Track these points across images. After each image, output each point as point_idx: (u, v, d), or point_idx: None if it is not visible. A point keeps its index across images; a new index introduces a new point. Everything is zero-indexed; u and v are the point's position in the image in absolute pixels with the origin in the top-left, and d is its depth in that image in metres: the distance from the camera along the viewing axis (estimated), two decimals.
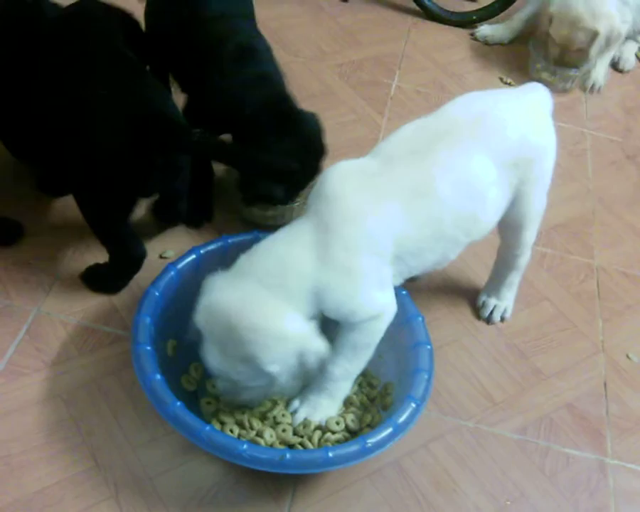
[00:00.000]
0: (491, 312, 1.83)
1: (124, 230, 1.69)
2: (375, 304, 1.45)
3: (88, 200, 1.65)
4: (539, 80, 2.54)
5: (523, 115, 1.59)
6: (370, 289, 1.44)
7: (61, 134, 1.59)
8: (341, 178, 1.46)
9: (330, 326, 1.48)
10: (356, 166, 1.50)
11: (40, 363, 1.59)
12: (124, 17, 1.84)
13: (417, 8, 2.92)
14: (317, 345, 1.40)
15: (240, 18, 1.96)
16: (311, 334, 1.40)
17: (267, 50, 1.94)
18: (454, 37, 2.87)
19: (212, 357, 1.41)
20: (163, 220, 1.90)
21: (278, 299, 1.38)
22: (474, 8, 2.94)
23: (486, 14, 2.90)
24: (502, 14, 2.91)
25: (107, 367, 1.60)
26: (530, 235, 1.72)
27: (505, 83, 2.63)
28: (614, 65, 2.84)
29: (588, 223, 2.17)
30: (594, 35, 2.55)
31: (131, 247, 1.71)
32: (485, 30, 2.87)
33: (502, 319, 1.84)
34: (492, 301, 1.83)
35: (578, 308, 1.91)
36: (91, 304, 1.72)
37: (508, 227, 1.69)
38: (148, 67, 1.79)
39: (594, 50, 2.59)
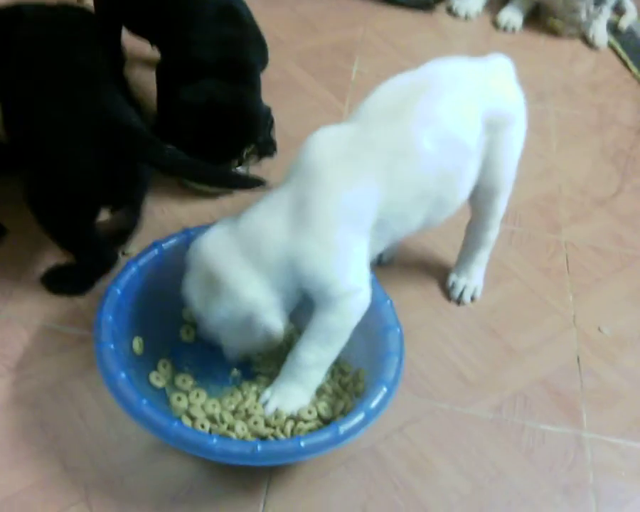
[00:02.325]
0: (461, 293, 1.81)
1: (90, 236, 1.65)
2: (353, 278, 1.44)
3: (50, 212, 1.61)
4: (553, 30, 2.86)
5: (497, 76, 1.60)
6: (348, 262, 1.43)
7: (24, 147, 1.57)
8: (320, 148, 1.45)
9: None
10: (335, 133, 1.48)
11: (3, 368, 1.55)
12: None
13: None
14: (270, 320, 1.40)
15: None
16: (266, 304, 1.40)
17: (248, 13, 1.96)
18: (414, 21, 2.85)
19: (185, 284, 1.46)
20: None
21: (247, 260, 1.40)
22: None
23: None
24: None
25: (72, 368, 1.56)
26: (501, 204, 1.72)
27: None
28: (588, 41, 2.87)
29: (555, 199, 2.16)
30: None
31: (99, 251, 1.68)
32: (461, 7, 2.91)
33: (472, 299, 1.82)
34: (462, 281, 1.82)
35: (548, 284, 1.90)
36: (53, 305, 1.68)
37: (482, 194, 1.67)
38: None
39: None
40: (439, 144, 1.47)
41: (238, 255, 1.40)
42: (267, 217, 1.43)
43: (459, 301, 1.82)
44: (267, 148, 2.04)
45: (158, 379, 1.52)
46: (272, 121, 2.04)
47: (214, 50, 1.86)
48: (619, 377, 1.72)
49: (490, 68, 1.62)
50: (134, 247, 1.80)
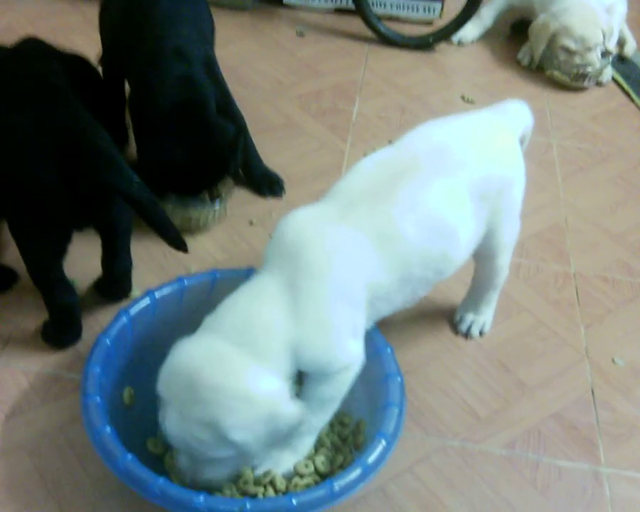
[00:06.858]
0: (470, 326, 1.77)
1: (54, 274, 1.60)
2: (349, 354, 1.38)
3: (20, 231, 1.57)
4: (555, 80, 2.77)
5: (488, 144, 1.53)
6: (345, 339, 1.37)
7: None
8: (300, 229, 1.38)
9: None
10: (314, 214, 1.41)
11: (1, 415, 1.52)
12: (72, 57, 1.81)
13: (373, 35, 2.91)
14: (288, 410, 1.29)
15: (186, 24, 1.99)
16: (281, 396, 1.29)
17: (208, 59, 1.99)
18: (413, 60, 2.86)
19: (171, 424, 1.28)
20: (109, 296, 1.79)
21: (246, 355, 1.28)
22: (430, 31, 2.93)
23: (442, 35, 2.89)
24: None
25: (71, 414, 1.52)
26: (505, 260, 1.68)
27: (467, 101, 2.62)
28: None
29: (561, 231, 2.13)
30: (604, 34, 2.73)
31: (58, 293, 1.61)
32: (456, 34, 2.94)
33: (481, 333, 1.78)
34: (470, 316, 1.78)
35: (558, 316, 1.86)
36: (52, 351, 1.65)
37: (482, 257, 1.63)
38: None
39: (610, 46, 2.79)
40: (423, 229, 1.41)
41: (230, 351, 1.28)
42: (255, 305, 1.33)
43: (466, 335, 1.78)
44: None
45: (156, 446, 1.46)
46: (242, 142, 1.99)
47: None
48: (636, 409, 1.67)
49: (488, 130, 1.55)
50: (137, 290, 1.78)
